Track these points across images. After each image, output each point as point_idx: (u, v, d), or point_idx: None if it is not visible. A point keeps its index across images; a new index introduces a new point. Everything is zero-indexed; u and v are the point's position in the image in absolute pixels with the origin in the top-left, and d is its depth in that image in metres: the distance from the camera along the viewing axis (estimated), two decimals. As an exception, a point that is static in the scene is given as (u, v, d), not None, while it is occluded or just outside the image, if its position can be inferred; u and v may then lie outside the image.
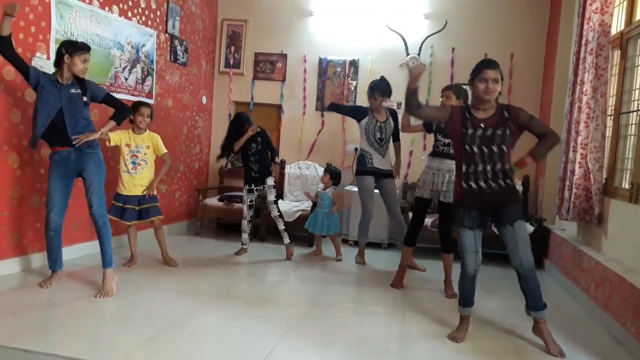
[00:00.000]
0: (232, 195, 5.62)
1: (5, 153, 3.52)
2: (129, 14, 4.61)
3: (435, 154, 3.84)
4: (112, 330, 2.77)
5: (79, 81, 3.37)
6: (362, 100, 5.96)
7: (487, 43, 5.68)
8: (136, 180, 3.97)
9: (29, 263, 3.76)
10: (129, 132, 3.98)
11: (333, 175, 4.91)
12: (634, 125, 3.50)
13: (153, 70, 5.01)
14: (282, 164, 5.96)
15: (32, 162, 3.72)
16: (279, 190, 5.79)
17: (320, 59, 6.02)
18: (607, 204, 3.66)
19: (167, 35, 5.21)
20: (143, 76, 4.87)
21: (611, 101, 3.88)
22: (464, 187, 2.88)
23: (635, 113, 3.48)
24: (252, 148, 4.64)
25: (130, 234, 4.14)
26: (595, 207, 3.68)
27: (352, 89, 5.99)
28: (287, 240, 4.72)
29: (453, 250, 3.85)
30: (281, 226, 4.72)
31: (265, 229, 5.43)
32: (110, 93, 3.61)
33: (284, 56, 6.10)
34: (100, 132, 3.43)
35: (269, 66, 6.15)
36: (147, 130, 4.04)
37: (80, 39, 4.02)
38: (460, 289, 3.00)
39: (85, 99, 3.37)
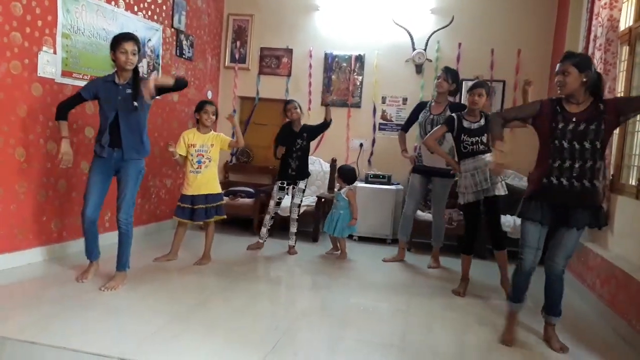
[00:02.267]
0: (237, 190, 5.63)
1: (12, 147, 3.53)
2: (135, 8, 4.61)
3: (465, 155, 3.75)
4: (119, 324, 2.78)
5: (134, 79, 3.28)
6: (367, 95, 5.95)
7: (494, 38, 5.64)
8: (200, 179, 4.00)
9: (35, 256, 3.77)
10: (194, 131, 4.03)
11: (340, 173, 4.76)
12: (641, 122, 3.48)
13: (159, 64, 5.01)
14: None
15: (38, 156, 3.73)
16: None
17: (326, 54, 6.00)
18: (613, 200, 3.64)
19: (173, 29, 5.20)
20: (149, 70, 4.87)
21: (619, 97, 3.85)
22: (543, 181, 2.73)
23: (643, 109, 3.45)
24: (297, 144, 4.60)
25: (179, 233, 4.15)
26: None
27: (358, 84, 5.97)
28: (292, 242, 4.74)
29: (506, 245, 3.80)
30: (294, 229, 4.73)
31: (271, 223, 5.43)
32: None
33: (289, 51, 6.08)
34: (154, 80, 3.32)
35: (275, 61, 6.13)
36: (212, 130, 4.09)
37: (86, 33, 4.03)
38: (512, 283, 2.93)
39: (135, 103, 3.24)
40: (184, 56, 5.42)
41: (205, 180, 4.01)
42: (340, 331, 2.92)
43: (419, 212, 5.26)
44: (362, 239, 5.40)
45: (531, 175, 2.89)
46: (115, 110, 3.25)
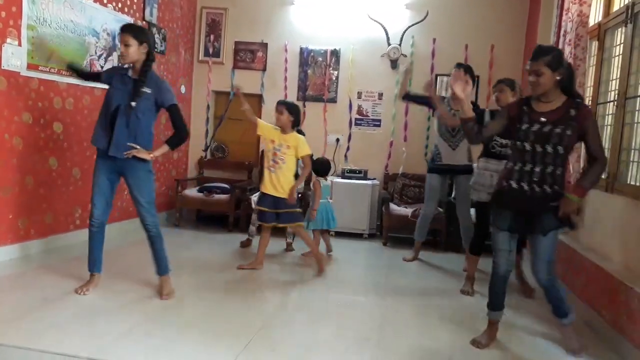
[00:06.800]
0: (211, 186, 5.56)
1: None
2: (105, 0, 4.49)
3: (492, 155, 3.60)
4: (89, 323, 2.70)
5: (142, 75, 3.01)
6: (343, 90, 5.93)
7: (467, 34, 5.69)
8: (274, 179, 3.85)
9: (1, 255, 3.65)
10: (279, 129, 3.89)
11: (314, 165, 4.67)
12: (610, 116, 3.55)
13: (130, 58, 4.89)
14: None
15: (3, 152, 3.60)
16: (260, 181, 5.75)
17: (301, 49, 5.96)
18: (584, 193, 3.70)
19: (144, 22, 5.09)
20: (119, 64, 4.74)
21: (588, 92, 3.92)
22: (503, 184, 2.66)
23: (611, 103, 3.52)
24: None
25: (261, 238, 4.01)
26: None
27: (334, 79, 5.95)
28: (290, 239, 4.72)
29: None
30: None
31: (246, 220, 5.38)
32: (177, 105, 3.13)
33: (264, 45, 6.02)
34: (151, 156, 3.07)
35: (249, 55, 6.07)
36: (295, 132, 3.92)
37: (53, 25, 3.91)
38: (489, 290, 2.80)
39: (133, 103, 2.96)
40: (156, 50, 5.30)
41: (277, 182, 3.84)
42: (316, 326, 2.91)
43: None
44: (339, 234, 5.39)
45: (498, 178, 2.80)
46: (119, 102, 3.02)
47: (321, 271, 3.96)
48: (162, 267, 3.24)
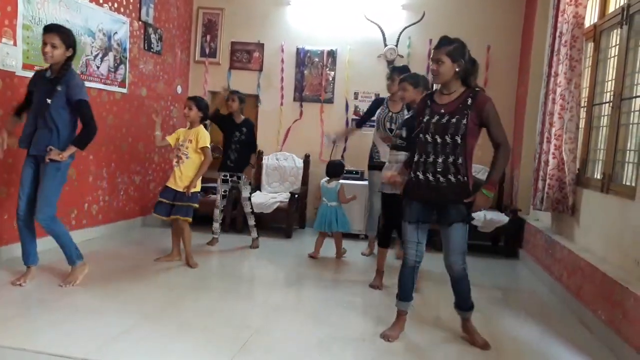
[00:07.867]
0: (207, 186, 5.54)
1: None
2: (101, 0, 4.47)
3: (394, 147, 3.62)
4: (84, 324, 2.69)
5: (59, 75, 3.10)
6: (339, 90, 5.94)
7: (464, 35, 5.53)
8: (176, 174, 3.90)
9: (-4, 256, 3.64)
10: (187, 127, 3.98)
11: (327, 167, 4.70)
12: (605, 117, 3.56)
13: (126, 58, 4.89)
14: (260, 155, 5.86)
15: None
16: (257, 181, 5.75)
17: (297, 49, 5.96)
18: (579, 194, 3.73)
19: (140, 22, 5.08)
20: (115, 64, 4.74)
21: (584, 93, 3.93)
22: (411, 176, 2.72)
23: (607, 104, 3.54)
24: (236, 136, 4.58)
25: (172, 229, 4.05)
26: (569, 197, 3.74)
27: (330, 79, 5.95)
28: (254, 235, 4.72)
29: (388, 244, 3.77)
30: (251, 222, 4.70)
31: (242, 220, 5.37)
32: (86, 101, 3.18)
33: (261, 46, 6.02)
34: (60, 156, 3.10)
35: (246, 56, 6.06)
36: (200, 125, 3.96)
37: (48, 25, 3.90)
38: (399, 281, 2.82)
39: (49, 100, 3.04)
40: (152, 50, 5.30)
41: (180, 176, 3.89)
42: (312, 327, 2.91)
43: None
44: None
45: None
46: (38, 102, 3.10)
47: (187, 263, 3.94)
48: (69, 259, 3.30)
